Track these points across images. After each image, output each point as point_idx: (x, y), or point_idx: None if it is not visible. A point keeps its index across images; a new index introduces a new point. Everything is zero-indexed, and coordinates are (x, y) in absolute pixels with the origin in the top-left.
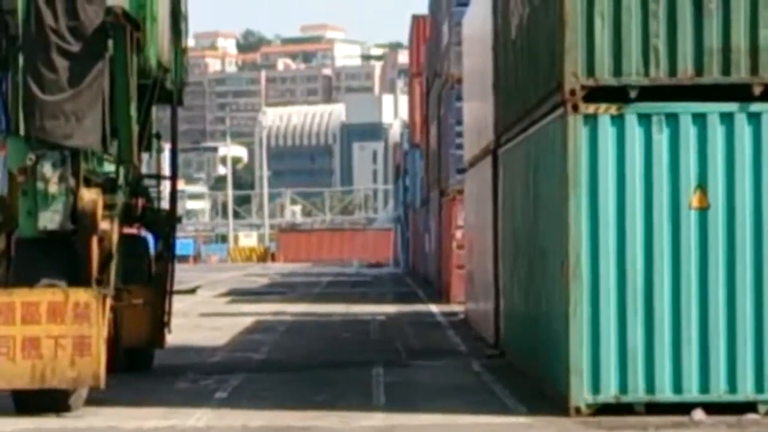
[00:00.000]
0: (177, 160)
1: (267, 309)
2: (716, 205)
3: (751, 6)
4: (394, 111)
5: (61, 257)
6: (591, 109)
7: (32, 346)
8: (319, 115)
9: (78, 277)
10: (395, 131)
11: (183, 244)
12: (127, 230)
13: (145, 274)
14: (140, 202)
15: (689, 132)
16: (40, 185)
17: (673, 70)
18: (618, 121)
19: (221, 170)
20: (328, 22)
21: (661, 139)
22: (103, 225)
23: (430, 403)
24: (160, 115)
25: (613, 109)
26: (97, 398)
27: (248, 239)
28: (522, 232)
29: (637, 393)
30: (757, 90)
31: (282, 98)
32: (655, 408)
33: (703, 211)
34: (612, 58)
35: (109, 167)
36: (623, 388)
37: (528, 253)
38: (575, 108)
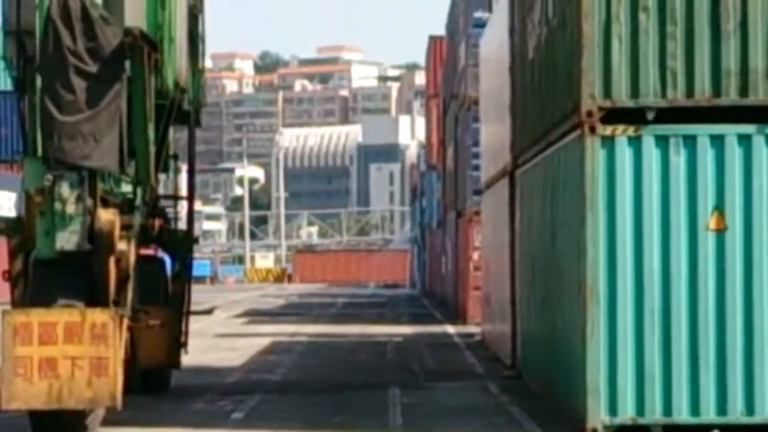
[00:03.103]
0: (194, 180)
1: (283, 330)
2: (734, 227)
3: None
4: (411, 132)
5: (78, 278)
6: (608, 130)
7: (49, 366)
8: (335, 136)
9: (95, 298)
10: (412, 152)
11: (200, 264)
12: (144, 251)
13: (161, 295)
14: (157, 222)
15: (707, 154)
16: (57, 206)
17: (690, 92)
18: (635, 142)
19: (238, 191)
20: (344, 44)
21: (679, 160)
22: (120, 245)
23: (447, 425)
24: (177, 136)
25: (631, 131)
26: (113, 419)
27: (265, 260)
28: (539, 254)
29: (655, 415)
30: None
31: (299, 119)
32: (672, 430)
33: (721, 233)
34: (629, 80)
35: (127, 188)
36: (640, 409)
37: (545, 274)
38: (592, 129)
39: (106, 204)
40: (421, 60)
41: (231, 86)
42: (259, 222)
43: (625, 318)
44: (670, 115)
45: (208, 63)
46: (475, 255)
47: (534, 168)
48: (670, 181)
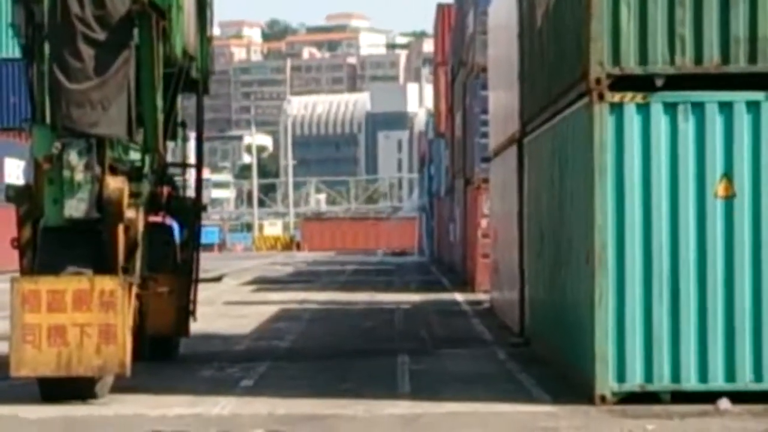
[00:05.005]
0: (202, 148)
1: (292, 297)
2: (742, 194)
3: None
4: (419, 100)
5: (86, 245)
6: (617, 97)
7: (58, 334)
8: (344, 103)
9: (104, 266)
10: (420, 120)
11: (208, 232)
12: (153, 218)
13: (170, 263)
14: (166, 190)
15: (715, 121)
16: (65, 173)
17: (699, 59)
18: (644, 109)
19: (246, 159)
20: (353, 11)
21: (687, 127)
22: (129, 213)
23: (455, 392)
24: (185, 103)
25: (639, 98)
26: (122, 386)
27: (273, 228)
28: (547, 221)
29: (663, 382)
30: None
31: (307, 87)
32: (680, 397)
33: (729, 200)
34: (638, 47)
35: (135, 155)
36: (648, 376)
37: (553, 241)
38: (601, 97)
39: (114, 172)
40: (430, 27)
41: (239, 54)
42: (268, 190)
43: (633, 285)
44: (679, 82)
45: (216, 31)
46: (484, 222)
47: (542, 136)
48: (679, 148)
